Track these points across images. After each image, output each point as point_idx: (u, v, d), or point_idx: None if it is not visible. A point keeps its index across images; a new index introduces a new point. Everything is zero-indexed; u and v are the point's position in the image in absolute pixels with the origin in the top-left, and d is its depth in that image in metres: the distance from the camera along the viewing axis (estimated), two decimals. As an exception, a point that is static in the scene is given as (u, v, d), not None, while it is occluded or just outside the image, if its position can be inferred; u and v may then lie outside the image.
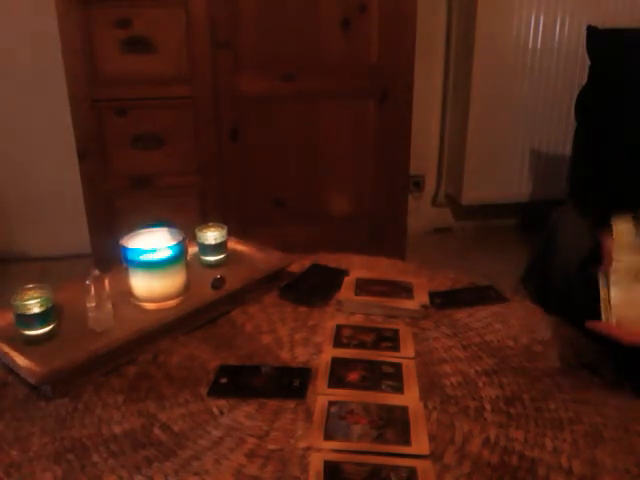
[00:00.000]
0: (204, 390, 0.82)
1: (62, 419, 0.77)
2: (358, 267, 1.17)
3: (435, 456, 0.70)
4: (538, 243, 1.41)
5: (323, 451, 0.70)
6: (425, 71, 2.34)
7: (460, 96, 2.44)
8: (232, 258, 1.13)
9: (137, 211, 1.87)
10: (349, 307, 1.03)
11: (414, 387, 0.82)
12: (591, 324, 0.78)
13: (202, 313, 0.98)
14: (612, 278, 0.79)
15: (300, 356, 0.90)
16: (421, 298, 1.05)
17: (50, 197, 2.33)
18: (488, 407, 0.79)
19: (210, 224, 1.12)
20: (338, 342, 0.93)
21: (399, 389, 0.81)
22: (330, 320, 0.99)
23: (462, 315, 1.02)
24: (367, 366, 0.86)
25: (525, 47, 2.31)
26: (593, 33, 1.89)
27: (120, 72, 1.81)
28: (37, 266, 2.30)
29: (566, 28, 2.30)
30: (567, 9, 2.28)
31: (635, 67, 1.74)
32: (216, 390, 0.82)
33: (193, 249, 1.10)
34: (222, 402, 0.80)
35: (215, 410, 0.79)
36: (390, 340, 0.93)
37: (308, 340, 0.94)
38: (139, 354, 0.90)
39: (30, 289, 0.88)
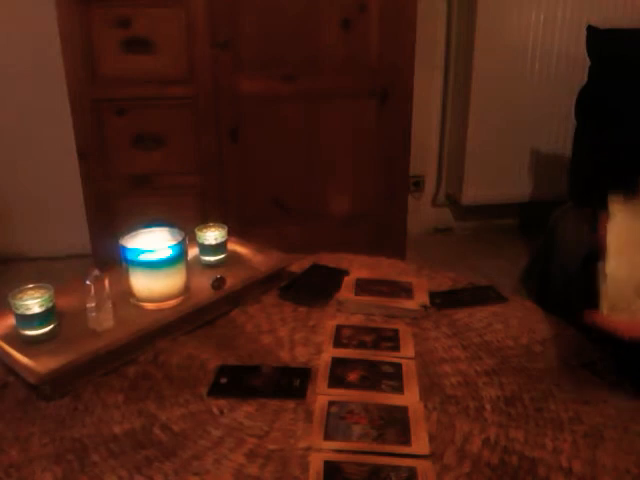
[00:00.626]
0: (204, 390, 0.82)
1: (62, 419, 0.77)
2: (358, 267, 1.17)
3: (435, 456, 0.70)
4: (538, 243, 1.41)
5: (323, 451, 0.70)
6: (425, 71, 2.33)
7: (460, 96, 2.44)
8: (232, 258, 1.13)
9: (137, 211, 1.87)
10: (349, 307, 1.03)
11: (414, 387, 0.82)
12: (590, 316, 0.78)
13: (202, 313, 0.98)
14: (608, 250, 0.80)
15: (300, 356, 0.90)
16: (421, 298, 1.05)
17: (50, 197, 2.33)
18: (488, 407, 0.79)
19: (210, 224, 1.12)
20: (338, 342, 0.93)
21: (399, 389, 0.81)
22: (330, 320, 0.99)
23: (462, 315, 1.02)
24: (367, 366, 0.86)
25: (525, 47, 2.31)
26: (593, 33, 1.89)
27: (120, 72, 1.81)
28: (37, 266, 2.30)
29: (566, 28, 2.30)
30: (567, 9, 2.28)
31: (635, 67, 1.74)
32: (216, 390, 0.82)
33: (193, 249, 1.10)
34: (222, 402, 0.80)
35: (215, 410, 0.79)
36: (390, 340, 0.93)
37: (308, 340, 0.94)
38: (139, 354, 0.90)
39: (30, 289, 0.88)
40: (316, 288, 1.10)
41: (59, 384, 0.81)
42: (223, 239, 1.11)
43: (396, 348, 0.91)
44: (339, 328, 0.96)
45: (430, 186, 2.66)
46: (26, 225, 2.37)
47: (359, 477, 0.66)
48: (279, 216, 2.02)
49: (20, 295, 0.87)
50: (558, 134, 2.42)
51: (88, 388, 0.83)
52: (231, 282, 1.03)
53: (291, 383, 0.83)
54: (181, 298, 0.98)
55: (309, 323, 0.99)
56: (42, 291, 0.88)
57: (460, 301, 1.06)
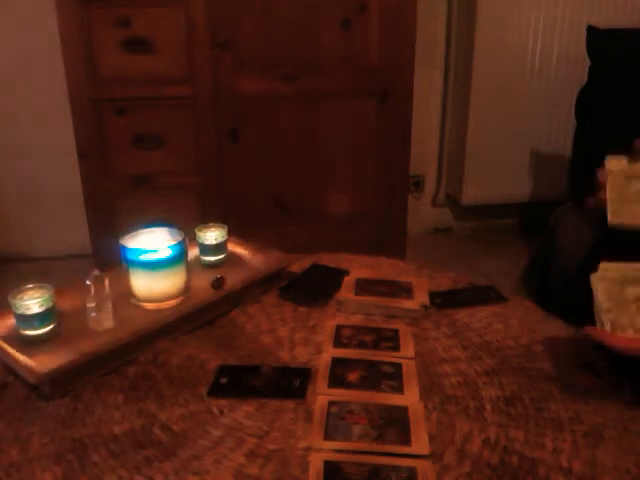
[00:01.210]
0: (204, 390, 0.82)
1: (62, 419, 0.77)
2: (358, 267, 1.17)
3: (435, 456, 0.70)
4: (538, 243, 1.41)
5: (323, 451, 0.70)
6: (425, 71, 2.34)
7: (460, 96, 2.44)
8: (232, 258, 1.13)
9: (137, 211, 1.87)
10: (349, 307, 1.03)
11: (414, 387, 0.82)
12: (589, 330, 0.78)
13: (202, 313, 0.98)
14: (601, 285, 0.80)
15: (300, 356, 0.90)
16: (421, 298, 1.05)
17: (50, 197, 2.34)
18: (488, 407, 0.79)
19: (210, 224, 1.12)
20: (338, 342, 0.93)
21: (399, 389, 0.81)
22: (330, 320, 0.99)
23: (462, 315, 1.02)
24: (367, 366, 0.86)
25: (525, 47, 2.31)
26: (593, 33, 1.89)
27: (120, 72, 1.81)
28: (37, 266, 2.30)
29: (566, 28, 2.30)
30: (567, 9, 2.28)
31: (635, 67, 1.74)
32: (216, 390, 0.82)
33: (193, 249, 1.10)
34: (222, 402, 0.80)
35: (215, 410, 0.79)
36: (390, 340, 0.93)
37: (308, 340, 0.94)
38: (139, 354, 0.90)
39: (30, 289, 0.88)
40: (316, 288, 1.10)
41: (59, 384, 0.81)
42: (223, 239, 1.11)
43: (396, 348, 0.91)
44: (339, 328, 0.96)
45: (430, 186, 2.66)
46: (26, 225, 2.37)
47: (359, 477, 0.66)
48: (279, 216, 2.02)
49: (20, 295, 0.87)
50: (558, 134, 2.42)
51: (88, 388, 0.83)
52: (231, 282, 1.03)
53: (291, 383, 0.83)
54: (181, 298, 0.98)
55: (309, 323, 0.99)
56: (42, 291, 0.88)
57: (460, 301, 1.06)
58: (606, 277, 0.79)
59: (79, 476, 0.68)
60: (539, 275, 1.35)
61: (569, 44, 2.31)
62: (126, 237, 0.97)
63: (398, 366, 0.86)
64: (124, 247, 0.95)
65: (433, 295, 1.07)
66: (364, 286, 1.09)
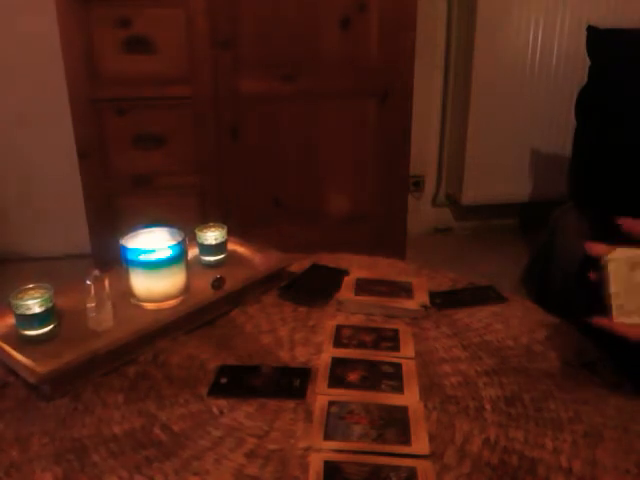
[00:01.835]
0: (204, 390, 0.82)
1: (62, 419, 0.77)
2: (358, 267, 1.17)
3: (435, 456, 0.70)
4: (538, 243, 1.41)
5: (323, 451, 0.70)
6: (425, 71, 2.34)
7: (460, 96, 2.44)
8: (232, 258, 1.13)
9: (137, 211, 1.87)
10: (349, 307, 1.03)
11: (414, 387, 0.82)
12: (596, 321, 0.78)
13: (202, 313, 0.98)
14: (610, 267, 0.79)
15: (300, 356, 0.90)
16: (421, 298, 1.05)
17: (50, 197, 2.34)
18: (488, 407, 0.79)
19: (210, 224, 1.12)
20: (338, 342, 0.93)
21: (399, 389, 0.81)
22: (330, 320, 0.99)
23: (462, 315, 1.02)
24: (367, 366, 0.86)
25: (525, 47, 2.31)
26: (593, 33, 1.89)
27: (120, 72, 1.81)
28: (37, 266, 2.30)
29: (566, 28, 2.30)
30: (567, 9, 2.28)
31: (635, 67, 1.74)
32: (216, 390, 0.82)
33: (193, 249, 1.10)
34: (222, 402, 0.80)
35: (215, 410, 0.79)
36: (390, 340, 0.93)
37: (308, 340, 0.94)
38: (139, 354, 0.90)
39: (30, 289, 0.88)
40: (316, 288, 1.10)
41: (59, 384, 0.81)
42: (223, 239, 1.11)
43: (396, 348, 0.91)
44: (339, 328, 0.96)
45: (430, 186, 2.66)
46: (26, 225, 2.37)
47: (359, 477, 0.66)
48: (279, 216, 2.02)
49: (20, 295, 0.87)
50: (558, 134, 2.42)
51: (88, 388, 0.83)
52: (231, 282, 1.03)
53: (291, 383, 0.83)
54: (181, 298, 0.98)
55: (309, 323, 0.99)
56: (42, 291, 0.88)
57: (460, 301, 1.06)
58: (616, 260, 0.79)
59: (79, 476, 0.68)
60: (539, 275, 1.35)
61: (569, 44, 2.31)
62: (126, 237, 0.97)
63: (398, 366, 0.86)
64: (124, 247, 0.95)
65: (433, 295, 1.07)
66: (364, 286, 1.09)
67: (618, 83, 1.78)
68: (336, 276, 1.13)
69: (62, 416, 0.78)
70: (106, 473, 0.68)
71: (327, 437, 0.72)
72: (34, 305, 0.86)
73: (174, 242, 0.96)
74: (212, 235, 1.10)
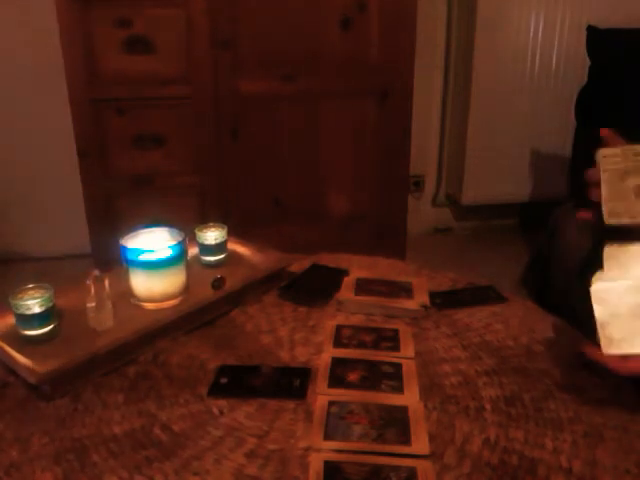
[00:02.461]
0: (204, 390, 0.82)
1: (62, 419, 0.77)
2: (358, 267, 1.17)
3: (435, 456, 0.70)
4: (538, 243, 1.41)
5: (323, 451, 0.70)
6: (425, 71, 2.34)
7: (460, 96, 2.44)
8: (232, 258, 1.13)
9: (137, 211, 1.87)
10: (349, 307, 1.03)
11: (414, 387, 0.82)
12: (587, 351, 0.77)
13: (202, 313, 0.98)
14: (602, 176, 0.80)
15: (300, 356, 0.90)
16: (421, 298, 1.05)
17: (50, 197, 2.34)
18: (488, 407, 0.79)
19: (210, 224, 1.12)
20: (338, 342, 0.93)
21: (399, 389, 0.81)
22: (330, 320, 0.99)
23: (462, 315, 1.02)
24: (367, 366, 0.86)
25: (525, 47, 2.31)
26: (593, 33, 1.89)
27: (120, 72, 1.81)
28: (37, 266, 2.30)
29: (566, 28, 2.30)
30: (567, 9, 2.28)
31: (635, 67, 1.74)
32: (216, 390, 0.82)
33: (193, 249, 1.10)
34: (222, 402, 0.80)
35: (215, 410, 0.79)
36: (390, 340, 0.93)
37: (308, 340, 0.94)
38: (139, 354, 0.90)
39: (30, 289, 0.88)
40: (316, 288, 1.10)
41: (59, 384, 0.81)
42: (223, 239, 1.11)
43: (396, 348, 0.91)
44: (339, 328, 0.96)
45: (430, 186, 2.66)
46: (26, 225, 2.37)
47: (359, 477, 0.66)
48: (279, 216, 2.02)
49: (20, 295, 0.87)
50: (558, 134, 2.42)
51: (88, 388, 0.83)
52: (231, 282, 1.03)
53: (291, 383, 0.83)
54: (181, 298, 0.98)
55: (309, 323, 0.99)
56: (42, 291, 0.88)
57: (460, 301, 1.06)
58: (608, 169, 0.80)
59: (79, 476, 0.68)
60: (539, 275, 1.35)
61: (569, 44, 2.31)
62: (126, 237, 0.97)
63: (398, 366, 0.86)
64: (124, 247, 0.95)
65: (433, 295, 1.07)
66: (364, 286, 1.09)
67: (618, 83, 1.78)
68: (336, 276, 1.13)
69: (62, 416, 0.78)
70: (106, 473, 0.68)
71: (327, 437, 0.72)
72: (34, 305, 0.86)
73: (174, 242, 0.96)
74: (212, 235, 1.10)
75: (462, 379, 0.85)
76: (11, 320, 0.88)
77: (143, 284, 0.96)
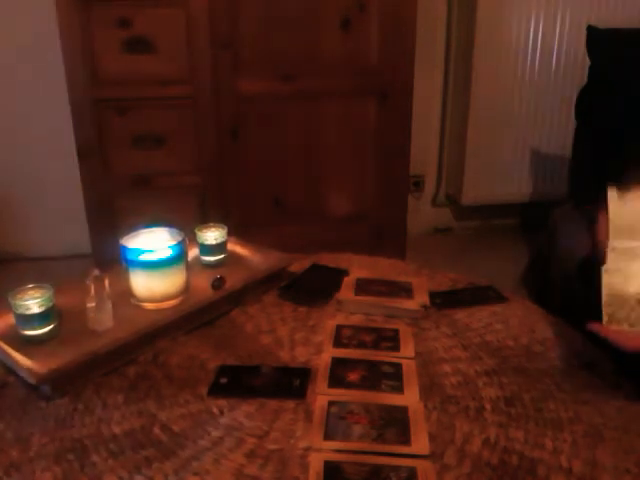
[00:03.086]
0: (204, 390, 0.82)
1: (62, 419, 0.77)
2: (358, 267, 1.17)
3: (435, 456, 0.70)
4: (538, 243, 1.41)
5: (323, 451, 0.70)
6: (425, 71, 2.33)
7: (460, 96, 2.44)
8: (232, 258, 1.13)
9: (137, 211, 1.87)
10: (349, 307, 1.03)
11: (414, 387, 0.82)
12: (593, 327, 0.78)
13: (202, 313, 0.98)
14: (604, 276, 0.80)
15: (300, 356, 0.90)
16: (421, 298, 1.05)
17: (50, 197, 2.33)
18: (488, 407, 0.79)
19: (210, 224, 1.12)
20: (338, 342, 0.93)
21: (399, 389, 0.81)
22: (330, 320, 0.99)
23: (462, 315, 1.02)
24: (367, 366, 0.86)
25: (525, 47, 2.31)
26: (593, 33, 1.89)
27: (120, 72, 1.81)
28: (37, 266, 2.30)
29: (566, 28, 2.30)
30: (567, 9, 2.28)
31: (635, 67, 1.74)
32: (216, 390, 0.82)
33: (193, 249, 1.10)
34: (222, 402, 0.80)
35: (215, 410, 0.79)
36: (390, 340, 0.93)
37: (308, 340, 0.94)
38: (139, 354, 0.90)
39: (30, 289, 0.88)
40: (316, 288, 1.10)
41: (59, 384, 0.81)
42: (223, 239, 1.11)
43: (396, 348, 0.91)
44: (339, 328, 0.96)
45: (430, 186, 2.66)
46: (26, 225, 2.37)
47: (359, 477, 0.66)
48: (279, 216, 2.02)
49: (20, 295, 0.87)
50: (558, 134, 2.42)
51: (88, 388, 0.83)
52: (231, 282, 1.03)
53: (291, 383, 0.83)
54: (181, 298, 0.98)
55: (309, 323, 0.99)
56: (42, 291, 0.88)
57: (460, 301, 1.06)
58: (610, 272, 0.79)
59: (79, 476, 0.68)
60: (539, 275, 1.35)
61: (569, 44, 2.31)
62: (126, 237, 0.97)
63: (398, 366, 0.86)
64: (124, 247, 0.95)
65: (433, 295, 1.07)
66: (364, 286, 1.09)
67: (618, 83, 1.78)
68: (336, 276, 1.13)
69: (62, 416, 0.78)
70: (106, 473, 0.68)
71: (327, 437, 0.72)
72: (34, 305, 0.86)
73: (174, 242, 0.97)
74: (212, 235, 1.10)
75: (462, 379, 0.85)
76: (11, 320, 0.88)
77: (143, 284, 0.96)
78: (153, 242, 0.97)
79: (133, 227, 0.99)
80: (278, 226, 1.99)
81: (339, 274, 1.13)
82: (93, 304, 0.89)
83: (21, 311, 0.86)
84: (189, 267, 1.01)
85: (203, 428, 0.75)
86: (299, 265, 1.16)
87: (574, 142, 2.11)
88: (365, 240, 2.06)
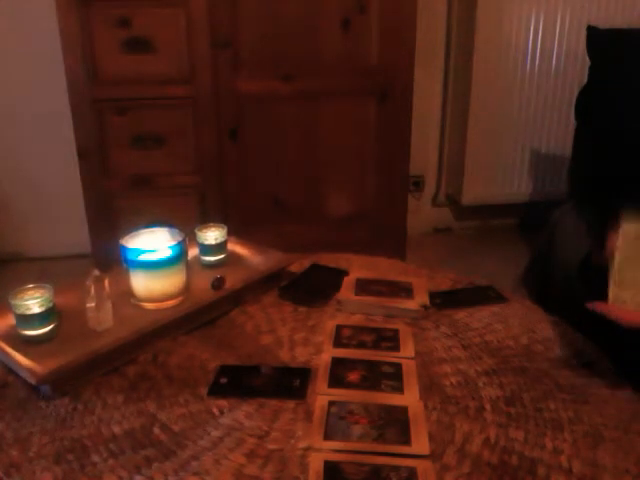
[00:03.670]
0: (204, 390, 0.82)
1: (62, 419, 0.77)
2: (358, 267, 1.17)
3: (435, 456, 0.70)
4: (538, 243, 1.41)
5: (323, 451, 0.70)
6: (425, 71, 2.33)
7: (460, 96, 2.44)
8: (232, 258, 1.13)
9: (137, 211, 1.87)
10: (349, 307, 1.03)
11: (414, 387, 0.82)
12: (591, 305, 0.78)
13: (202, 313, 0.98)
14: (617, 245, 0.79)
15: (300, 356, 0.90)
16: (421, 298, 1.05)
17: (50, 197, 2.33)
18: (488, 407, 0.79)
19: (210, 224, 1.12)
20: (338, 342, 0.93)
21: (399, 389, 0.81)
22: (330, 320, 0.99)
23: (462, 315, 1.02)
24: (367, 366, 0.86)
25: (525, 47, 2.31)
26: (593, 33, 1.89)
27: (120, 72, 1.81)
28: (37, 266, 2.30)
29: (566, 28, 2.30)
30: (567, 9, 2.28)
31: (635, 67, 1.74)
32: (216, 390, 0.82)
33: (193, 249, 1.10)
34: (222, 402, 0.80)
35: (215, 410, 0.79)
36: (390, 340, 0.93)
37: (308, 340, 0.94)
38: (139, 354, 0.90)
39: (30, 289, 0.88)
40: (316, 288, 1.10)
41: (59, 384, 0.81)
42: (223, 239, 1.11)
43: (396, 348, 0.91)
44: (339, 328, 0.96)
45: (430, 186, 2.66)
46: (26, 225, 2.37)
47: (359, 477, 0.66)
48: (279, 216, 2.02)
49: (20, 295, 0.87)
50: (558, 134, 2.42)
51: (88, 388, 0.83)
52: (231, 282, 1.03)
53: (291, 383, 0.83)
54: (181, 298, 0.98)
55: (309, 323, 0.99)
56: (42, 291, 0.88)
57: (460, 301, 1.06)
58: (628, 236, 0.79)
59: (79, 476, 0.68)
60: (539, 275, 1.35)
61: (569, 44, 2.31)
62: (126, 237, 0.97)
63: (398, 366, 0.86)
64: (124, 247, 0.95)
65: (433, 295, 1.07)
66: (364, 286, 1.09)
67: (618, 83, 1.78)
68: (336, 276, 1.13)
69: (62, 416, 0.78)
70: (106, 473, 0.68)
71: (327, 437, 0.72)
72: (34, 305, 0.86)
73: (174, 242, 0.96)
74: (212, 235, 1.10)
75: (462, 379, 0.85)
76: (11, 320, 0.88)
77: (143, 284, 0.96)
78: (153, 242, 0.97)
79: (133, 227, 0.99)
80: (278, 226, 1.99)
81: (339, 274, 1.13)
82: (93, 304, 0.89)
83: (21, 311, 0.86)
84: (189, 267, 1.01)
85: (203, 428, 0.75)
86: (299, 265, 1.16)
87: (574, 142, 2.11)
88: (365, 240, 2.06)
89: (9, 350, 0.84)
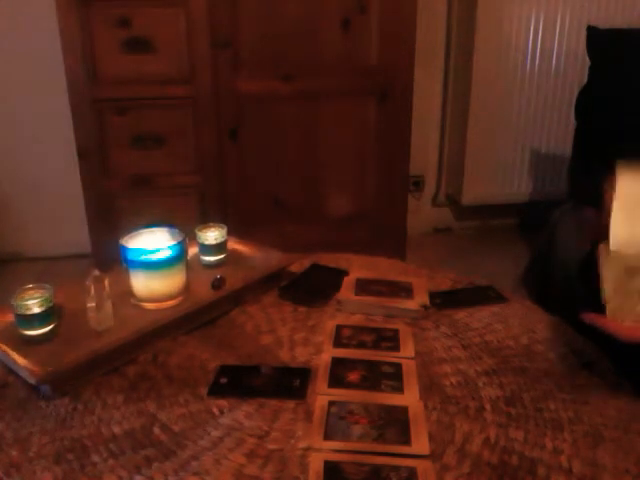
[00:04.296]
0: (204, 390, 0.82)
1: (62, 419, 0.77)
2: (358, 267, 1.17)
3: (435, 456, 0.70)
4: (538, 243, 1.41)
5: (323, 451, 0.70)
6: (425, 71, 2.33)
7: (460, 96, 2.44)
8: (232, 258, 1.13)
9: (137, 211, 1.87)
10: (349, 307, 1.03)
11: (414, 387, 0.82)
12: (587, 317, 0.77)
13: (202, 313, 0.98)
14: (605, 270, 0.79)
15: (300, 356, 0.90)
16: (421, 298, 1.05)
17: (50, 197, 2.33)
18: (488, 407, 0.79)
19: (210, 224, 1.12)
20: (338, 342, 0.93)
21: (399, 389, 0.81)
22: (330, 320, 0.99)
23: (462, 315, 1.02)
24: (367, 366, 0.86)
25: (525, 47, 2.31)
26: (593, 33, 1.89)
27: (120, 72, 1.81)
28: (37, 266, 2.30)
29: (566, 28, 2.30)
30: (567, 9, 2.28)
31: (635, 67, 1.74)
32: (216, 390, 0.82)
33: (193, 249, 1.10)
34: (222, 402, 0.80)
35: (215, 410, 0.79)
36: (390, 340, 0.93)
37: (308, 340, 0.94)
38: (139, 354, 0.90)
39: (30, 289, 0.88)
40: (316, 288, 1.10)
41: (59, 384, 0.81)
42: (223, 239, 1.11)
43: (396, 348, 0.91)
44: (339, 328, 0.96)
45: (430, 186, 2.66)
46: (26, 225, 2.37)
47: (359, 477, 0.66)
48: (279, 216, 2.02)
49: (20, 295, 0.87)
50: (558, 134, 2.42)
51: (88, 388, 0.83)
52: (231, 282, 1.03)
53: (291, 383, 0.83)
54: (181, 298, 0.98)
55: (309, 323, 0.99)
56: (42, 291, 0.88)
57: (460, 301, 1.06)
58: (613, 262, 0.78)
59: (79, 476, 0.68)
60: (539, 275, 1.35)
61: (569, 44, 2.31)
62: (126, 237, 0.97)
63: (398, 366, 0.86)
64: (124, 247, 0.95)
65: (433, 295, 1.07)
66: (364, 286, 1.09)
67: (618, 83, 1.78)
68: (336, 276, 1.13)
69: (62, 416, 0.78)
70: (106, 473, 0.68)
71: (327, 437, 0.72)
72: (34, 305, 0.86)
73: (174, 242, 0.96)
74: (212, 235, 1.10)
75: (462, 379, 0.85)
76: (11, 320, 0.88)
77: (143, 284, 0.96)
78: (153, 242, 0.97)
79: (133, 227, 0.99)
80: (278, 226, 1.99)
81: (339, 274, 1.13)
82: (93, 304, 0.89)
83: (21, 311, 0.86)
84: (189, 267, 1.01)
85: (203, 428, 0.75)
86: (299, 265, 1.16)
87: (574, 142, 2.11)
88: (365, 240, 2.06)
89: (9, 350, 0.84)
